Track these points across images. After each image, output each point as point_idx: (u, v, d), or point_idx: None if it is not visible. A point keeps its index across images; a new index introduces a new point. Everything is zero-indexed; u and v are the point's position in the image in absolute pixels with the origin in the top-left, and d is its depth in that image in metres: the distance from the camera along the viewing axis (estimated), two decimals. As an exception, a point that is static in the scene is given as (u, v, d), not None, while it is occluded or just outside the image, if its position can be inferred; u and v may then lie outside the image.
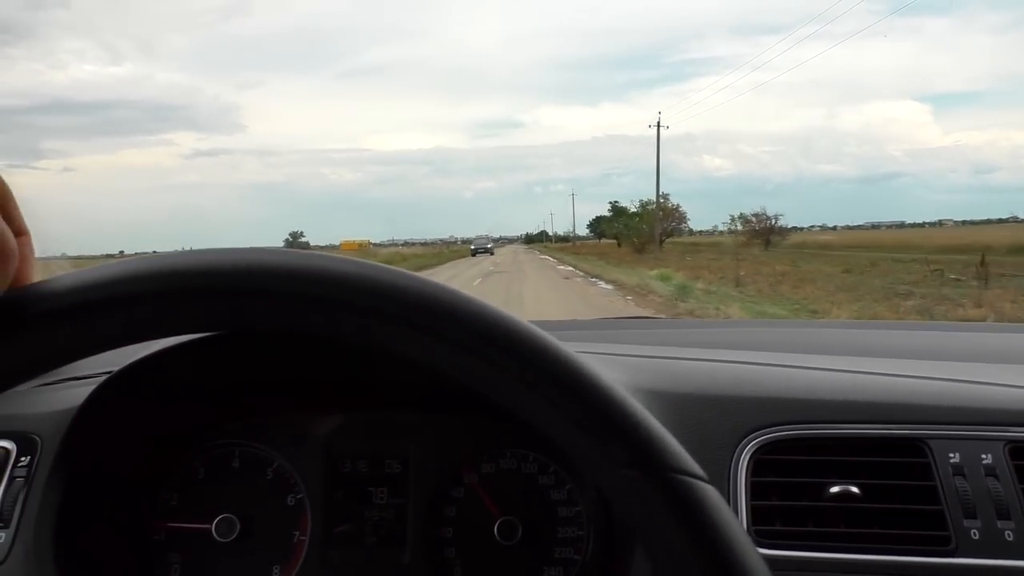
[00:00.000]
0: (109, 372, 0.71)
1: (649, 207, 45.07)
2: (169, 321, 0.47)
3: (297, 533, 0.83)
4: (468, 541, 0.82)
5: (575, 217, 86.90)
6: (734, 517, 0.43)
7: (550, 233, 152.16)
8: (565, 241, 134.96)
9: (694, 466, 0.44)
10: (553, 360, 0.44)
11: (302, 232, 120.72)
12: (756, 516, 0.72)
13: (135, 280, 0.45)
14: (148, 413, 0.76)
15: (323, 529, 0.82)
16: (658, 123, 46.99)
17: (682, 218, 64.74)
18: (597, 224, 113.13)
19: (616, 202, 69.77)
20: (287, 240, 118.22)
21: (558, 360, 0.44)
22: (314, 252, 0.48)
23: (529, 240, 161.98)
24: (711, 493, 0.43)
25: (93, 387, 0.71)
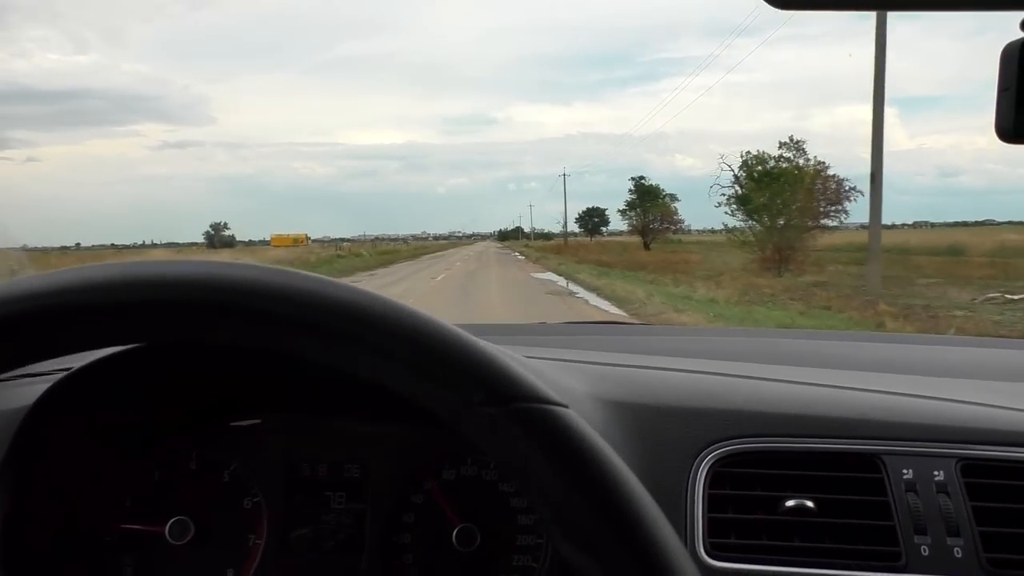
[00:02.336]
0: (65, 370, 0.69)
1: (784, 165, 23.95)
2: (88, 336, 0.46)
3: (253, 537, 0.81)
4: (426, 548, 0.81)
5: (567, 208, 66.87)
6: (596, 435, 0.43)
7: (526, 230, 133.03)
8: (547, 239, 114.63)
9: (548, 392, 0.44)
10: (394, 319, 0.44)
11: (225, 224, 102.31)
12: (712, 529, 0.72)
13: (71, 292, 0.44)
14: (103, 414, 0.74)
15: (280, 533, 0.81)
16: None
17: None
18: (587, 218, 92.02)
19: (641, 178, 50.62)
20: (207, 232, 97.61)
21: (398, 317, 0.44)
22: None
23: (503, 237, 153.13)
24: (567, 415, 0.43)
25: (47, 385, 0.69)
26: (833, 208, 22.48)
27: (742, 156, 25.37)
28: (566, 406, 0.44)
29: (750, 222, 23.09)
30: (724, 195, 24.75)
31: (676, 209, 52.50)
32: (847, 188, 23.02)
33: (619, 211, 54.76)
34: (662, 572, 0.40)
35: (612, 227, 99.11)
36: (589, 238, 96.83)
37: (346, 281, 0.47)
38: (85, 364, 0.68)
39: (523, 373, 0.44)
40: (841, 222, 23.84)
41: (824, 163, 24.14)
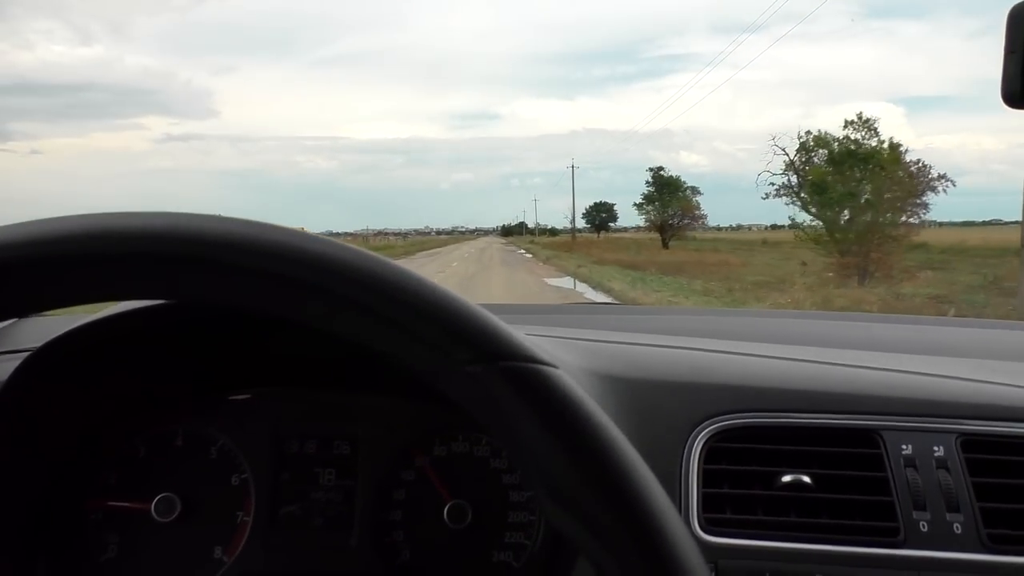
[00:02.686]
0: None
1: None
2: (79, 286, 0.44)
3: (241, 514, 0.79)
4: (417, 524, 0.79)
5: (575, 202, 61.21)
6: (585, 395, 0.42)
7: (530, 225, 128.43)
8: (552, 234, 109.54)
9: (535, 351, 0.42)
10: (377, 274, 0.42)
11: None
12: (707, 503, 0.71)
13: (66, 241, 0.42)
14: (84, 388, 0.73)
15: (268, 510, 0.79)
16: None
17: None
18: (594, 214, 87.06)
19: (660, 169, 44.96)
20: None
21: (382, 273, 0.42)
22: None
23: (507, 232, 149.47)
24: (558, 375, 0.42)
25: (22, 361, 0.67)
26: (917, 201, 17.74)
27: (799, 138, 20.52)
28: (556, 367, 0.42)
29: (808, 217, 18.96)
30: (774, 184, 21.81)
31: (698, 203, 47.27)
32: (933, 177, 18.10)
33: (635, 205, 49.10)
34: (653, 535, 0.38)
35: (619, 223, 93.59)
36: (596, 234, 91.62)
37: None
38: (60, 335, 0.65)
39: (511, 331, 0.43)
40: (920, 218, 19.34)
41: (900, 145, 19.22)
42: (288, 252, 0.42)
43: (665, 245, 44.62)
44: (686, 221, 46.97)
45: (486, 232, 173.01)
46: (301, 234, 0.44)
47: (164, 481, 0.79)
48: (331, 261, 0.42)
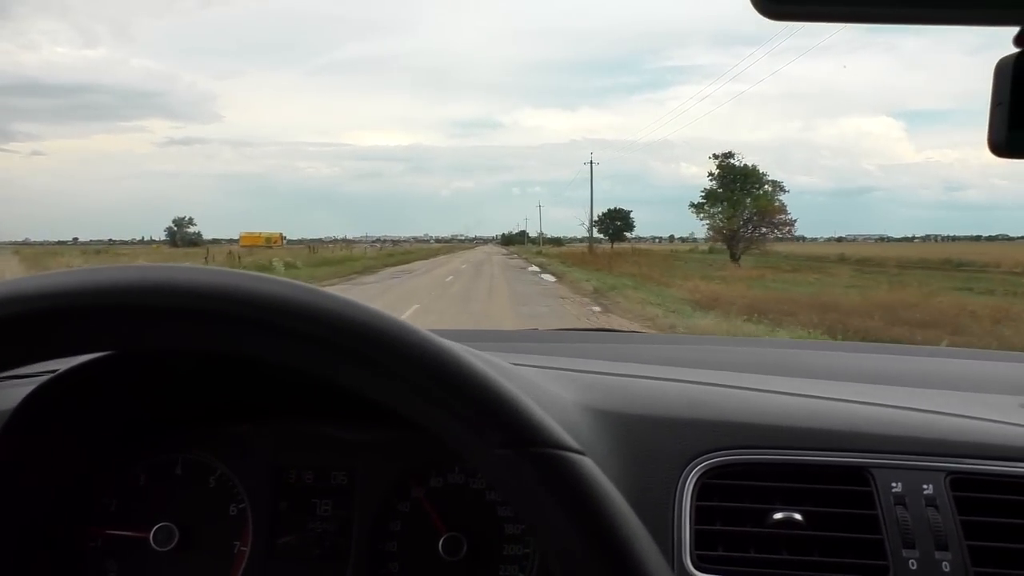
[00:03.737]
0: (50, 372, 0.68)
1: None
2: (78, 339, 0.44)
3: (238, 543, 0.79)
4: (412, 556, 0.79)
5: (592, 206, 46.07)
6: (610, 485, 0.42)
7: (531, 234, 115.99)
8: (557, 244, 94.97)
9: (566, 439, 0.43)
10: (422, 351, 0.43)
11: (190, 219, 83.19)
12: (699, 540, 0.70)
13: (60, 296, 0.43)
14: (88, 417, 0.73)
15: (265, 540, 0.79)
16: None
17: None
18: (608, 221, 72.74)
19: (728, 155, 34.24)
20: (169, 229, 79.37)
21: (427, 350, 0.43)
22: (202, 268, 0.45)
23: (507, 241, 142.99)
24: (585, 463, 0.42)
25: (31, 387, 0.68)
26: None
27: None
28: (583, 453, 0.43)
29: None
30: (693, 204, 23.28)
31: (782, 204, 32.79)
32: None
33: (692, 206, 35.08)
34: None
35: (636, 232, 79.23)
36: (611, 245, 76.38)
37: None
38: (71, 367, 0.67)
39: (543, 416, 0.43)
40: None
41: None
42: (339, 319, 0.42)
43: (735, 259, 30.15)
44: (764, 230, 32.35)
45: (485, 241, 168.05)
46: (349, 302, 0.44)
47: (163, 510, 0.79)
48: (387, 336, 0.42)
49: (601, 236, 79.23)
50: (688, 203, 35.02)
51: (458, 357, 0.43)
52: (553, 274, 27.35)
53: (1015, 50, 0.50)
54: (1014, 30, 0.48)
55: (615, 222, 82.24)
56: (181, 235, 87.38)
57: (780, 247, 42.38)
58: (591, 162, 53.80)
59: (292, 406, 0.80)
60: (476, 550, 0.77)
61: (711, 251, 45.16)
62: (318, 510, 0.80)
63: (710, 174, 35.29)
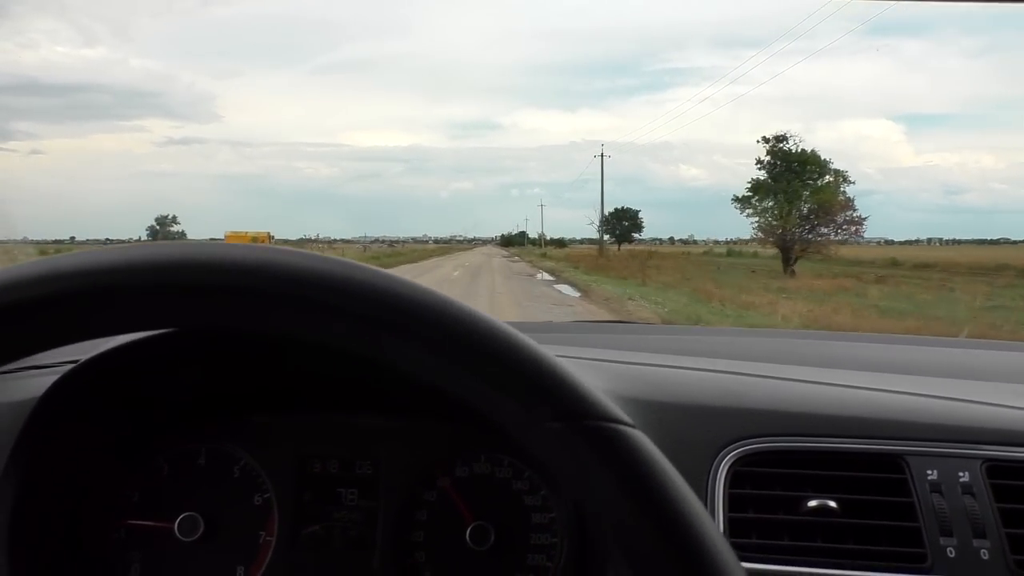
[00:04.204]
0: (73, 362, 0.67)
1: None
2: (100, 320, 0.43)
3: (263, 534, 0.78)
4: (439, 546, 0.78)
5: (603, 198, 39.33)
6: (666, 460, 0.42)
7: (531, 235, 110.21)
8: (560, 245, 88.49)
9: (618, 412, 0.42)
10: (470, 326, 0.42)
11: (174, 217, 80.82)
12: (732, 528, 0.70)
13: (84, 275, 0.42)
14: (112, 407, 0.73)
15: (290, 530, 0.78)
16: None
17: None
18: (615, 222, 66.62)
19: (782, 138, 23.13)
20: (152, 227, 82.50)
21: (475, 325, 0.42)
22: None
23: (507, 242, 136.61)
24: (638, 436, 0.42)
25: (54, 377, 0.67)
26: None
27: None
28: (634, 426, 0.42)
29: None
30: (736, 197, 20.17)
31: (850, 199, 26.25)
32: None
33: (736, 200, 28.41)
34: None
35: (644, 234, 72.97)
36: (617, 247, 69.61)
37: None
38: (93, 356, 0.66)
39: (592, 389, 0.42)
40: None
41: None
42: (388, 297, 0.41)
43: (788, 267, 23.76)
44: (824, 231, 25.81)
45: (484, 242, 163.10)
46: (398, 279, 0.43)
47: (187, 500, 0.78)
48: (436, 313, 0.42)
49: (607, 237, 72.93)
50: (731, 197, 28.25)
51: (507, 332, 0.42)
52: (572, 284, 20.57)
53: None
54: None
55: (622, 222, 75.57)
56: (164, 234, 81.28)
57: (864, 252, 36.00)
58: (601, 155, 47.46)
59: (316, 396, 0.79)
60: (503, 539, 0.76)
61: (755, 255, 38.49)
62: (343, 500, 0.79)
63: (758, 161, 28.21)
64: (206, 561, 0.77)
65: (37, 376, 0.74)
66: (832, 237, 25.92)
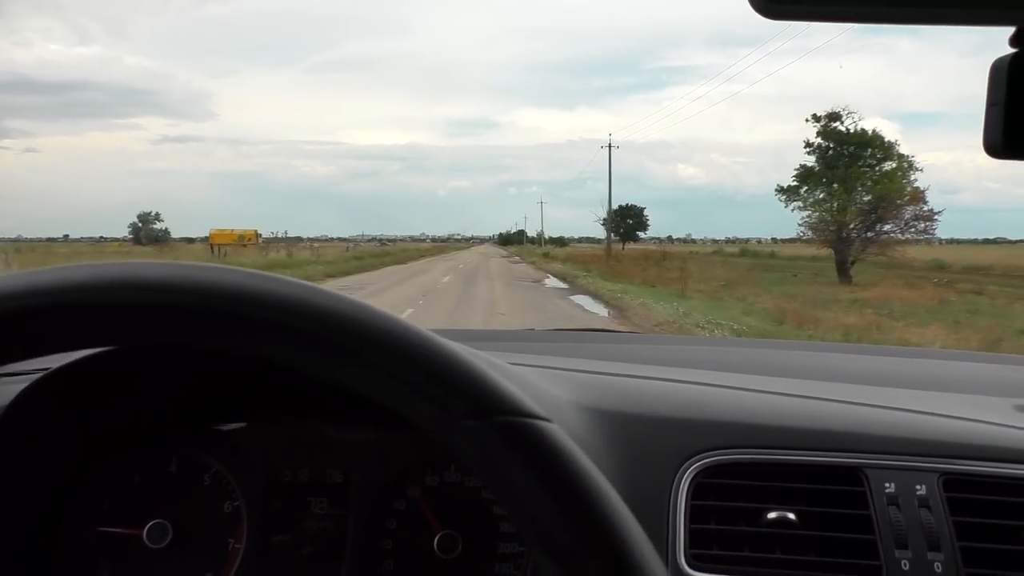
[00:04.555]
0: (43, 370, 0.68)
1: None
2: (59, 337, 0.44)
3: (232, 541, 0.78)
4: (408, 554, 0.79)
5: (611, 193, 34.50)
6: (579, 450, 0.42)
7: (530, 234, 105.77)
8: (560, 244, 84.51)
9: (532, 406, 0.42)
10: (378, 329, 0.42)
11: (157, 214, 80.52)
12: (693, 539, 0.70)
13: (54, 292, 0.42)
14: (82, 415, 0.73)
15: (260, 538, 0.78)
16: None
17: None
18: (620, 220, 62.85)
19: (834, 115, 17.60)
20: (134, 225, 78.46)
21: (384, 328, 0.42)
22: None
23: (505, 241, 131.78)
24: (552, 430, 0.42)
25: (23, 385, 0.67)
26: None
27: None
28: (550, 420, 0.42)
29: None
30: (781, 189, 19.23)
31: (922, 189, 21.52)
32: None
33: (782, 191, 23.52)
34: None
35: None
36: (622, 246, 65.24)
37: None
38: (64, 364, 0.66)
39: (506, 385, 0.43)
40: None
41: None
42: (300, 307, 0.42)
43: (844, 273, 19.42)
44: (889, 228, 21.21)
45: (481, 240, 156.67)
46: (311, 288, 0.44)
47: (157, 507, 0.78)
48: (336, 314, 0.42)
49: (612, 236, 68.43)
50: (774, 188, 23.55)
51: (419, 333, 0.43)
52: (594, 296, 16.71)
53: (1011, 51, 0.49)
54: (1009, 31, 0.48)
55: (627, 220, 70.86)
56: (146, 232, 76.51)
57: (934, 252, 31.23)
58: (609, 145, 43.25)
59: (286, 405, 0.80)
60: (471, 548, 0.76)
61: (772, 255, 33.90)
62: (313, 508, 0.79)
63: (807, 144, 23.50)
64: (175, 568, 0.77)
65: (6, 384, 0.73)
66: (899, 236, 21.40)
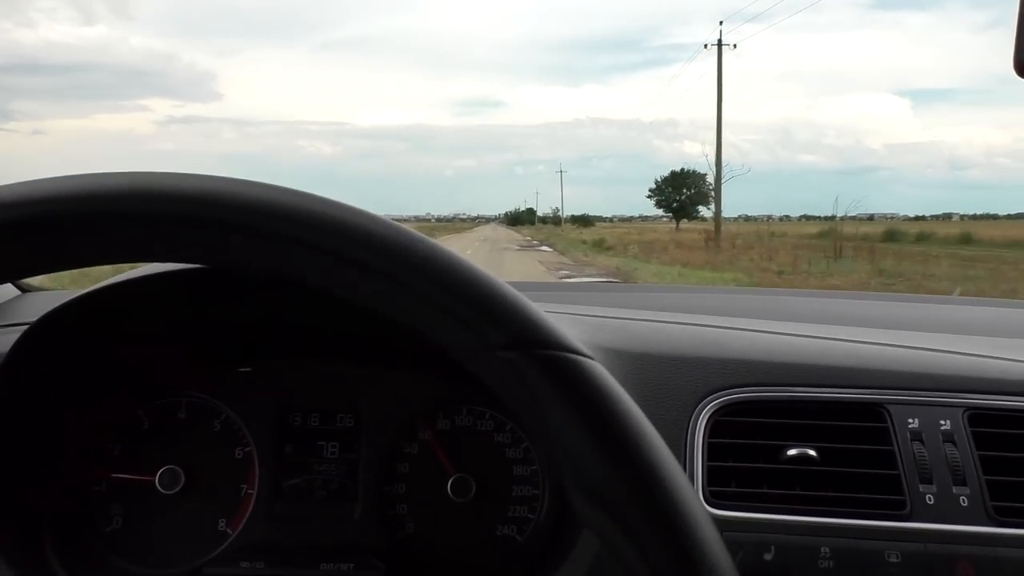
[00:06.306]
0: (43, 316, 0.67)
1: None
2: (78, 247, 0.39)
3: (245, 486, 0.77)
4: (421, 498, 0.77)
5: (721, 126, 15.14)
6: (622, 390, 0.39)
7: (541, 212, 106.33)
8: (585, 224, 65.21)
9: (573, 342, 0.39)
10: (417, 251, 0.39)
11: None
12: (712, 477, 0.69)
13: (73, 199, 0.38)
14: (85, 359, 0.71)
15: (271, 483, 0.77)
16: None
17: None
18: (666, 190, 42.31)
19: None
20: None
21: (422, 250, 0.39)
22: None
23: (514, 220, 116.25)
24: (594, 367, 0.39)
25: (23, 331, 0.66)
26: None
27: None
28: (592, 357, 0.39)
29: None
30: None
31: None
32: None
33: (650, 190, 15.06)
34: (683, 537, 0.35)
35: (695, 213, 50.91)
36: (675, 225, 46.37)
37: None
38: (65, 303, 0.64)
39: (549, 320, 0.40)
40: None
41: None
42: (335, 224, 0.39)
43: None
44: None
45: (488, 220, 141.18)
46: (347, 207, 0.41)
47: (168, 453, 0.76)
48: (376, 236, 0.39)
49: (662, 213, 49.71)
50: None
51: (458, 259, 0.40)
52: None
53: None
54: None
55: (681, 192, 51.92)
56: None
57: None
58: (719, 42, 25.63)
59: (297, 345, 0.78)
60: (484, 491, 0.75)
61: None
62: (325, 452, 0.77)
63: None
64: (187, 513, 0.76)
65: (7, 333, 0.71)
66: None
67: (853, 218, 23.43)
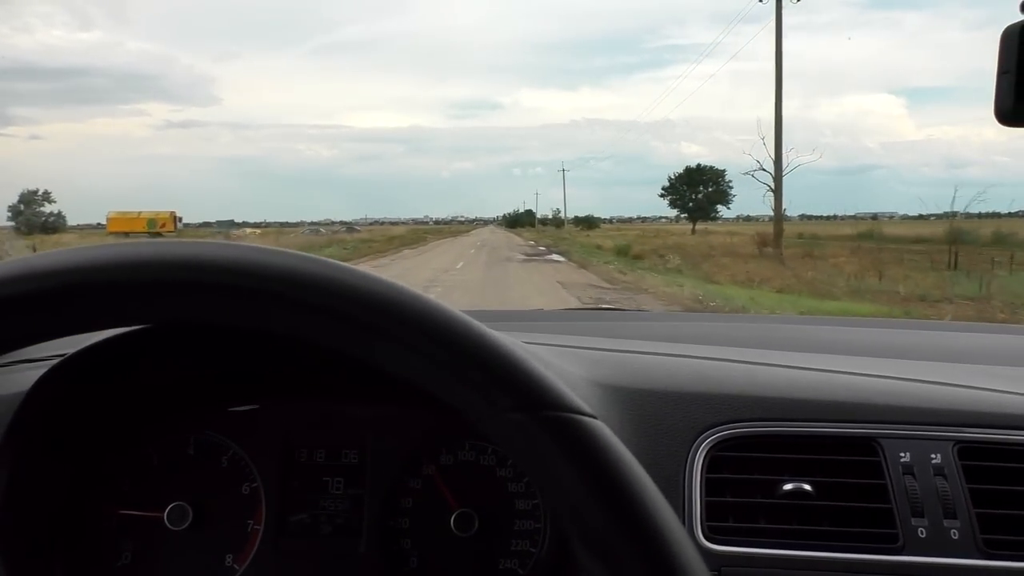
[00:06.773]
0: (61, 356, 0.67)
1: None
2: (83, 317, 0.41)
3: (251, 522, 0.78)
4: (424, 532, 0.78)
5: (780, 107, 9.33)
6: (625, 449, 0.40)
7: (540, 214, 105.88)
8: (590, 225, 59.99)
9: (578, 403, 0.41)
10: (428, 316, 0.41)
11: (46, 193, 56.86)
12: (710, 512, 0.70)
13: (78, 271, 0.40)
14: (100, 399, 0.72)
15: (278, 519, 0.78)
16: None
17: None
18: (682, 190, 36.55)
19: None
20: (15, 208, 55.59)
21: (432, 316, 0.41)
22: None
23: (512, 222, 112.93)
24: (599, 427, 0.40)
25: (42, 371, 0.67)
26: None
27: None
28: (595, 417, 0.41)
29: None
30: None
31: None
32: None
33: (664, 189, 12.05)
34: None
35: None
36: (692, 227, 41.02)
37: None
38: (82, 348, 0.65)
39: (555, 381, 0.41)
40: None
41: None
42: (350, 291, 0.40)
43: None
44: None
45: (486, 222, 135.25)
46: (363, 274, 0.42)
47: (176, 489, 0.78)
48: (380, 298, 0.40)
49: (677, 213, 44.75)
50: None
51: (467, 323, 0.41)
52: None
53: (1022, 17, 0.47)
54: None
55: (697, 190, 46.72)
56: (28, 215, 53.48)
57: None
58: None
59: (302, 385, 0.79)
60: (487, 525, 0.76)
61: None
62: (330, 488, 0.79)
63: None
64: (195, 549, 0.77)
65: (27, 370, 0.74)
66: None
67: (953, 215, 17.99)
